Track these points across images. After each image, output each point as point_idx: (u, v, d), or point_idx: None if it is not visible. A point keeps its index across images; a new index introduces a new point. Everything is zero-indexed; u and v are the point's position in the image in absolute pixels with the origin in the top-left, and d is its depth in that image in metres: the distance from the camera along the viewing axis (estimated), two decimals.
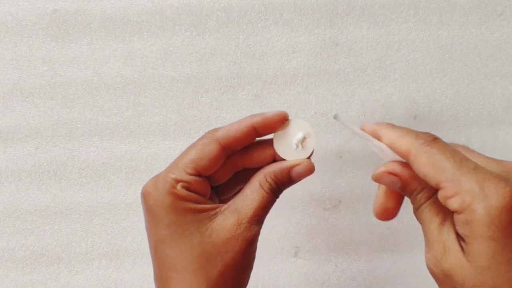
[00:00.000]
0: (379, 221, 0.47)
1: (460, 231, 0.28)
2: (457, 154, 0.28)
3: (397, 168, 0.31)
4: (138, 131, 0.48)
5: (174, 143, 0.48)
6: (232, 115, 0.48)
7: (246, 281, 0.34)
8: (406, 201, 0.47)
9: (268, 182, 0.34)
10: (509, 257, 0.26)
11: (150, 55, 0.48)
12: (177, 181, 0.33)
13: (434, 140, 0.30)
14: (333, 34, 0.48)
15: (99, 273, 0.48)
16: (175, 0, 0.48)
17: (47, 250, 0.48)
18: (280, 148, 0.35)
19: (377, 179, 0.33)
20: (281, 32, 0.48)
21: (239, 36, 0.48)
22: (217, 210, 0.34)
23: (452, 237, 0.29)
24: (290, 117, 0.36)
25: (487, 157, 0.30)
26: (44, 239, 0.48)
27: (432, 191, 0.30)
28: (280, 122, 0.35)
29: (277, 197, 0.35)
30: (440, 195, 0.28)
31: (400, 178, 0.32)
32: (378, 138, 0.32)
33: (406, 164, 0.31)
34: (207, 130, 0.47)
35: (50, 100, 0.48)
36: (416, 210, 0.32)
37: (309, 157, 0.36)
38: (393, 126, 0.32)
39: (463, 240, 0.28)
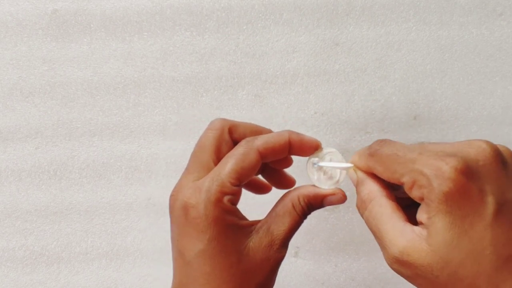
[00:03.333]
0: None
1: (423, 217, 0.28)
2: (402, 149, 0.29)
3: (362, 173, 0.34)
4: (138, 131, 0.48)
5: (174, 143, 0.48)
6: (232, 115, 0.48)
7: None
8: None
9: (301, 204, 0.34)
10: (467, 228, 0.27)
11: (150, 55, 0.48)
12: (223, 193, 0.32)
13: (380, 147, 0.31)
14: (333, 34, 0.48)
15: (99, 273, 0.48)
16: (175, 0, 0.48)
17: (47, 250, 0.48)
18: (314, 175, 0.36)
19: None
20: (281, 32, 0.48)
21: (239, 36, 0.48)
22: (253, 227, 0.34)
23: (409, 228, 0.29)
24: (324, 147, 0.36)
25: (439, 143, 0.30)
26: (44, 239, 0.48)
27: (375, 194, 0.32)
28: (313, 148, 0.35)
29: (305, 219, 0.35)
30: (405, 189, 0.29)
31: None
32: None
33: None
34: None
35: (50, 100, 0.48)
36: (363, 214, 0.32)
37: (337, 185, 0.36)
38: (356, 153, 0.33)
39: (425, 228, 0.28)
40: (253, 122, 0.36)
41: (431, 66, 0.48)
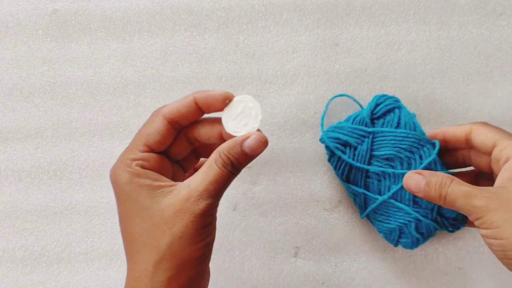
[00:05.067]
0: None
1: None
2: (500, 129, 0.39)
3: (420, 171, 0.39)
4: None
5: None
6: None
7: (199, 256, 0.34)
8: None
9: (221, 158, 0.35)
10: None
11: (150, 55, 0.48)
12: (132, 159, 0.35)
13: (487, 123, 0.40)
14: (333, 34, 0.48)
15: (99, 273, 0.48)
16: (175, 0, 0.48)
17: (47, 250, 0.48)
18: (229, 126, 0.36)
19: (404, 180, 0.39)
20: (281, 32, 0.48)
21: (239, 36, 0.48)
22: (174, 187, 0.34)
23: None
24: (236, 96, 0.36)
25: None
26: (44, 239, 0.48)
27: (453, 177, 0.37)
28: (221, 101, 0.36)
29: (234, 173, 0.35)
30: (496, 150, 0.37)
31: None
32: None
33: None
34: None
35: (50, 100, 0.48)
36: (445, 189, 0.36)
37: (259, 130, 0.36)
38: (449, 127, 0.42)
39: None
40: None
41: (431, 66, 0.48)
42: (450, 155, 0.43)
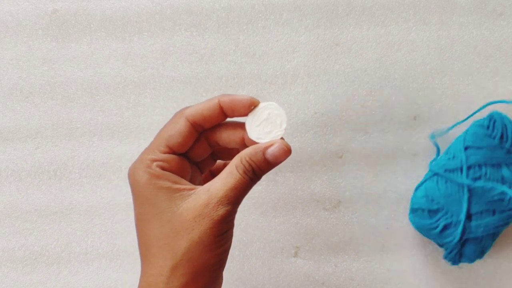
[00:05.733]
0: (378, 221, 0.48)
1: None
2: None
3: None
4: (138, 131, 0.48)
5: None
6: None
7: (215, 263, 0.34)
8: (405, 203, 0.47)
9: (243, 164, 0.34)
10: None
11: (150, 55, 0.48)
12: (152, 160, 0.35)
13: None
14: (333, 34, 0.48)
15: (99, 273, 0.48)
16: (175, 0, 0.48)
17: (47, 250, 0.48)
18: (253, 133, 0.36)
19: None
20: (281, 32, 0.48)
21: (239, 36, 0.48)
22: (193, 191, 0.34)
23: None
24: (261, 103, 0.36)
25: None
26: (44, 239, 0.48)
27: None
28: (247, 107, 0.36)
29: (254, 181, 0.35)
30: None
31: None
32: None
33: None
34: None
35: (50, 100, 0.48)
36: None
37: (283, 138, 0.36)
38: None
39: None
40: None
41: (431, 66, 0.48)
42: None
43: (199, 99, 0.48)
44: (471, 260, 0.44)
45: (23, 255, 0.48)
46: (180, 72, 0.48)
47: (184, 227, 0.33)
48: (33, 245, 0.48)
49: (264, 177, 0.47)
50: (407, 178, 0.47)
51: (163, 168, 0.35)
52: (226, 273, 0.47)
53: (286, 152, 0.35)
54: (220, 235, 0.34)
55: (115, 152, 0.48)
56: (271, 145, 0.35)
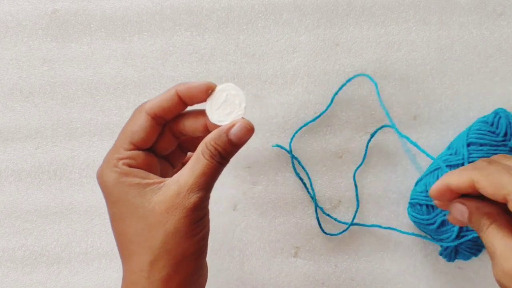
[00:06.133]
0: (378, 221, 0.48)
1: None
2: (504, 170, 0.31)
3: (465, 201, 0.34)
4: None
5: None
6: None
7: (195, 250, 0.34)
8: (404, 204, 0.47)
9: (208, 149, 0.34)
10: None
11: (150, 55, 0.48)
12: (119, 159, 0.34)
13: (489, 163, 0.32)
14: (333, 34, 0.48)
15: (99, 273, 0.48)
16: (175, 0, 0.48)
17: (47, 250, 0.48)
18: (213, 116, 0.35)
19: (449, 208, 0.35)
20: (281, 32, 0.48)
21: (239, 36, 0.48)
22: (163, 184, 0.34)
23: None
24: (218, 85, 0.36)
25: None
26: (44, 239, 0.48)
27: (495, 216, 0.32)
28: (204, 92, 0.35)
29: (222, 164, 0.35)
30: (510, 207, 0.30)
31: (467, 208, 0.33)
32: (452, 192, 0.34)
33: (470, 199, 0.34)
34: None
35: (50, 100, 0.48)
36: (482, 233, 0.32)
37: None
38: (450, 172, 0.34)
39: None
40: (253, 122, 0.36)
41: (431, 66, 0.48)
42: None
43: None
44: (467, 257, 0.44)
45: (23, 255, 0.48)
46: (180, 72, 0.48)
47: (158, 220, 0.33)
48: (33, 245, 0.48)
49: (264, 177, 0.48)
50: (407, 178, 0.47)
51: (130, 165, 0.34)
52: (226, 273, 0.48)
53: (249, 130, 0.35)
54: (195, 222, 0.34)
55: None
56: (233, 125, 0.34)
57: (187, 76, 0.48)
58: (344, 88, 0.48)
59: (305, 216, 0.48)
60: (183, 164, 0.41)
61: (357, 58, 0.48)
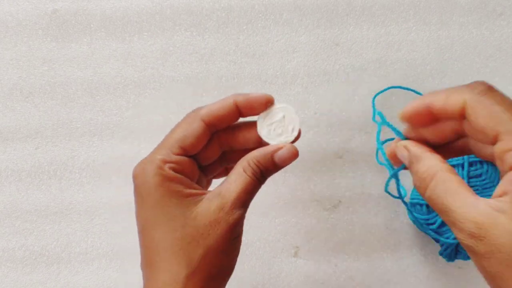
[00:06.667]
0: (378, 221, 0.48)
1: (509, 188, 0.25)
2: (507, 104, 0.26)
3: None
4: (138, 131, 0.48)
5: None
6: None
7: (229, 266, 0.34)
8: (402, 206, 0.47)
9: (251, 167, 0.34)
10: None
11: (150, 55, 0.48)
12: (164, 161, 0.33)
13: (489, 89, 0.28)
14: (333, 34, 0.48)
15: (99, 273, 0.48)
16: (175, 0, 0.48)
17: (47, 250, 0.48)
18: (263, 131, 0.35)
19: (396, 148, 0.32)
20: (281, 32, 0.48)
21: (239, 36, 0.48)
22: (203, 195, 0.34)
23: (483, 202, 0.27)
24: (276, 103, 0.36)
25: None
26: (44, 239, 0.48)
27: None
28: (263, 104, 0.35)
29: (261, 182, 0.35)
30: (498, 148, 0.26)
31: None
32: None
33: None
34: None
35: (50, 100, 0.48)
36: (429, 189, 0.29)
37: (293, 142, 0.36)
38: (434, 91, 0.30)
39: (508, 201, 0.25)
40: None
41: (431, 66, 0.48)
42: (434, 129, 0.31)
43: (199, 99, 0.48)
44: (467, 257, 0.44)
45: (23, 255, 0.48)
46: (180, 72, 0.48)
47: (200, 233, 0.32)
48: (33, 245, 0.48)
49: None
50: (407, 178, 0.47)
51: (175, 171, 0.33)
52: None
53: (295, 156, 0.35)
54: (234, 238, 0.33)
55: (115, 152, 0.48)
56: (280, 148, 0.34)
57: (187, 76, 0.48)
58: (344, 88, 0.48)
59: (305, 216, 0.48)
60: (213, 176, 0.40)
61: (357, 58, 0.48)
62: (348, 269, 0.47)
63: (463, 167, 0.43)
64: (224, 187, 0.33)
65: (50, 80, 0.48)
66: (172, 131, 0.35)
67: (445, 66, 0.48)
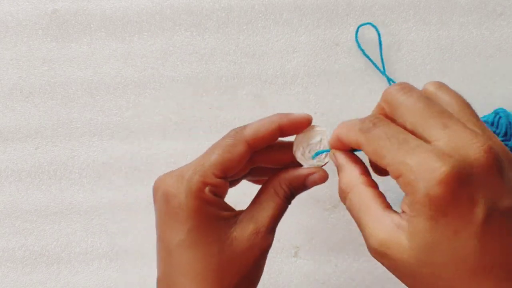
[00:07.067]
0: None
1: (406, 209, 0.27)
2: (398, 135, 0.28)
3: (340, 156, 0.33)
4: (138, 131, 0.48)
5: (174, 143, 0.48)
6: (232, 115, 0.48)
7: None
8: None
9: (282, 189, 0.34)
10: (450, 235, 0.25)
11: (150, 55, 0.48)
12: (205, 183, 0.31)
13: (374, 124, 0.29)
14: (333, 34, 0.48)
15: (99, 273, 0.48)
16: (175, 0, 0.48)
17: (47, 250, 0.48)
18: (298, 152, 0.35)
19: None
20: (281, 32, 0.48)
21: (239, 36, 0.48)
22: (237, 218, 0.33)
23: (388, 219, 0.28)
24: (313, 123, 0.36)
25: (440, 127, 0.28)
26: (44, 239, 0.48)
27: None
28: (305, 125, 0.35)
29: (289, 203, 0.35)
30: (391, 176, 0.28)
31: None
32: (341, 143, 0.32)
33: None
34: (207, 130, 0.48)
35: (50, 100, 0.48)
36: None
37: (323, 165, 0.36)
38: (343, 123, 0.32)
39: (406, 221, 0.27)
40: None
41: (431, 66, 0.48)
42: None
43: (199, 99, 0.48)
44: None
45: (23, 255, 0.48)
46: (180, 72, 0.48)
47: (234, 259, 0.32)
48: (33, 245, 0.48)
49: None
50: None
51: (214, 193, 0.32)
52: None
53: (324, 180, 0.35)
54: (263, 264, 0.33)
55: (115, 152, 0.48)
56: (313, 173, 0.34)
57: (187, 76, 0.48)
58: (344, 88, 0.48)
59: (305, 216, 0.48)
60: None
61: (357, 58, 0.48)
62: (348, 269, 0.47)
63: None
64: (256, 210, 0.33)
65: (50, 80, 0.48)
66: (212, 150, 0.33)
67: (445, 66, 0.48)
